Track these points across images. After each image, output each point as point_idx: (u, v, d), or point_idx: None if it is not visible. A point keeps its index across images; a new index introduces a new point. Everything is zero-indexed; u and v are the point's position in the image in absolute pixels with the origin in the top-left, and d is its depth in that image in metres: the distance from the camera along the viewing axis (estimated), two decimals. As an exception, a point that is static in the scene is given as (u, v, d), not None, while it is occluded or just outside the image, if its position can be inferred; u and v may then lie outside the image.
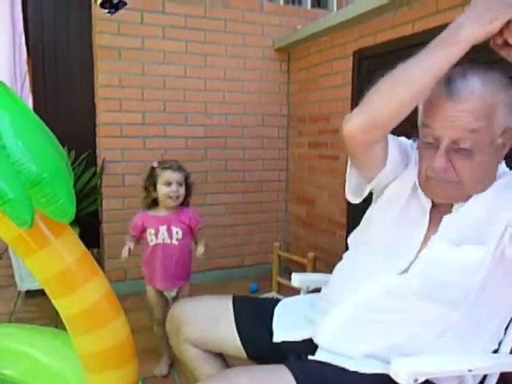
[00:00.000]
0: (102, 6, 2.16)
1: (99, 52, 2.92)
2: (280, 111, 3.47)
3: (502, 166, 1.10)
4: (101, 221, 3.12)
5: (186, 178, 2.09)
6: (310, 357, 1.08)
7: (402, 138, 1.22)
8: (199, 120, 3.21)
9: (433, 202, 1.09)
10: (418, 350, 1.03)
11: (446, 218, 1.05)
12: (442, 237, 1.04)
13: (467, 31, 0.89)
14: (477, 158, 0.97)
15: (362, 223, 1.28)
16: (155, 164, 2.09)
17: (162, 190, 2.02)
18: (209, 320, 1.33)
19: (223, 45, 3.21)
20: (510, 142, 1.02)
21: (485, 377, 1.10)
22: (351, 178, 1.24)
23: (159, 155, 3.07)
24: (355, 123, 1.01)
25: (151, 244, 2.06)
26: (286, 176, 3.57)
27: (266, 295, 2.80)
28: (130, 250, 2.01)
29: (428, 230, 1.08)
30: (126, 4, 2.34)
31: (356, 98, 2.66)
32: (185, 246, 2.10)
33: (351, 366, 1.02)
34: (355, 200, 1.26)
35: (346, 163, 2.92)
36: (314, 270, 2.54)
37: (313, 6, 3.70)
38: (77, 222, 2.81)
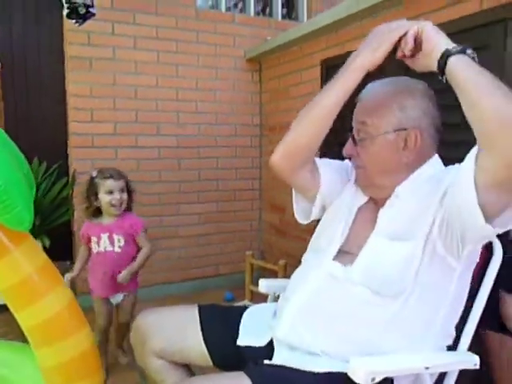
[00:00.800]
0: (69, 16, 2.16)
1: (70, 62, 2.91)
2: (252, 121, 3.50)
3: (432, 162, 1.14)
4: (73, 232, 3.08)
5: (127, 184, 2.11)
6: (266, 361, 1.10)
7: (332, 160, 1.38)
8: (172, 130, 3.21)
9: (374, 201, 1.19)
10: (370, 347, 1.05)
11: (381, 213, 1.13)
12: (378, 232, 1.11)
13: (360, 59, 1.06)
14: (371, 147, 1.12)
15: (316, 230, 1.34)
16: (94, 173, 2.10)
17: (104, 198, 2.04)
18: (175, 330, 1.32)
19: (195, 55, 3.23)
20: (416, 143, 1.09)
21: (444, 375, 1.13)
22: (297, 200, 1.37)
23: (131, 165, 3.07)
24: (279, 151, 1.21)
25: (94, 252, 2.11)
26: (259, 185, 3.59)
27: (238, 304, 2.80)
28: (70, 279, 2.07)
29: (367, 227, 1.15)
30: (94, 15, 2.34)
31: (325, 107, 2.71)
32: (128, 253, 2.11)
33: (307, 367, 1.03)
34: (304, 221, 1.39)
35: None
36: (286, 277, 2.55)
37: (283, 17, 3.75)
38: (47, 234, 2.77)
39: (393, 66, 1.09)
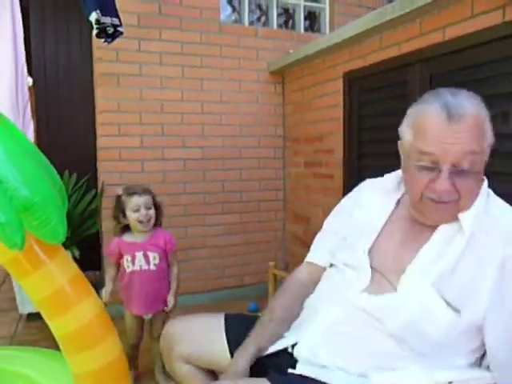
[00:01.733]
0: (98, 36, 2.25)
1: (98, 79, 3.01)
2: (276, 132, 3.54)
3: (486, 188, 1.10)
4: (101, 243, 3.16)
5: (154, 199, 2.09)
6: (290, 370, 1.10)
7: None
8: (196, 142, 3.28)
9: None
10: (389, 363, 1.04)
11: (424, 248, 1.04)
12: (425, 270, 1.02)
13: None
14: (474, 178, 0.99)
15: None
16: (120, 191, 2.10)
17: (131, 216, 2.02)
18: (201, 336, 1.35)
19: (219, 69, 3.30)
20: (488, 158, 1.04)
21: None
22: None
23: (157, 177, 3.15)
24: None
25: (128, 271, 2.06)
26: (283, 195, 3.61)
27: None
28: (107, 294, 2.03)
29: (409, 248, 1.09)
30: (122, 33, 2.43)
31: (348, 118, 2.72)
32: (162, 270, 2.10)
33: (331, 380, 1.04)
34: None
35: (340, 181, 2.95)
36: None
37: (306, 30, 3.79)
38: (77, 245, 2.85)
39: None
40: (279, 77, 3.50)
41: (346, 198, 1.37)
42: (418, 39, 2.16)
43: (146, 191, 2.08)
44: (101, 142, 3.05)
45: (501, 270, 0.95)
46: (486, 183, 1.10)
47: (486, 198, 1.08)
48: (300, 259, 3.70)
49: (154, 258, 2.06)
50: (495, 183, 1.74)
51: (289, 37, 3.53)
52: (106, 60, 2.99)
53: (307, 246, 3.34)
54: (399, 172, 1.20)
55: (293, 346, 1.17)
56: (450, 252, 1.01)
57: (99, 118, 3.04)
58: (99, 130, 3.06)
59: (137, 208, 2.01)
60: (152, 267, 2.06)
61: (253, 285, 3.51)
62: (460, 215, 1.02)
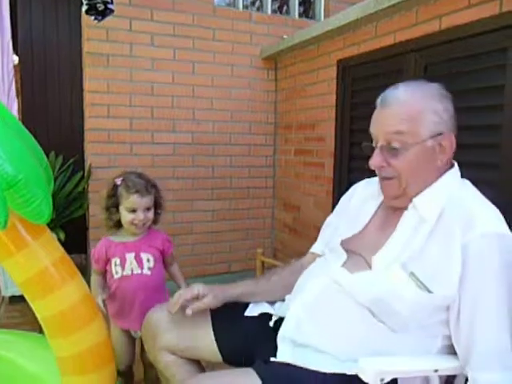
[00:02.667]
0: (88, 13, 2.19)
1: (87, 58, 2.94)
2: (267, 119, 3.51)
3: (453, 174, 1.14)
4: (87, 226, 3.12)
5: (157, 197, 1.76)
6: (272, 359, 1.12)
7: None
8: (187, 127, 3.23)
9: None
10: (377, 349, 1.06)
11: (400, 225, 1.11)
12: (395, 254, 1.08)
13: None
14: (406, 156, 1.08)
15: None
16: (118, 181, 1.72)
17: (125, 216, 1.68)
18: (186, 326, 1.34)
19: (211, 52, 3.25)
20: (451, 147, 1.10)
21: (453, 378, 1.12)
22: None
23: (146, 161, 3.10)
24: None
25: (116, 277, 1.70)
26: (272, 183, 3.59)
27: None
28: (104, 301, 1.65)
29: (382, 233, 1.16)
30: (113, 11, 2.36)
31: (340, 106, 2.70)
32: (159, 275, 1.76)
33: (314, 366, 1.05)
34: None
35: (330, 170, 2.95)
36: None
37: (300, 15, 3.74)
38: (63, 227, 2.81)
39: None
40: (272, 63, 3.46)
41: (344, 195, 1.46)
42: (414, 28, 2.14)
43: (150, 190, 1.71)
44: (89, 123, 2.99)
45: (464, 255, 0.99)
46: (454, 173, 1.15)
47: (459, 186, 1.13)
48: (289, 247, 3.73)
49: (148, 260, 1.72)
50: (487, 173, 1.75)
51: (283, 22, 3.48)
52: (95, 39, 2.92)
53: (296, 234, 3.38)
54: None
55: (278, 325, 1.20)
56: (418, 236, 1.06)
57: (87, 98, 2.98)
58: (87, 111, 3.00)
59: (133, 209, 1.67)
60: (146, 271, 1.71)
61: (240, 272, 3.50)
62: (415, 200, 1.10)
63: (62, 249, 1.33)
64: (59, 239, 2.68)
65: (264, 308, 1.35)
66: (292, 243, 3.37)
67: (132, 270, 1.70)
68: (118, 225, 1.74)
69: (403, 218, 1.12)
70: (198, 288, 1.30)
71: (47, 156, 2.84)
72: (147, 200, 1.69)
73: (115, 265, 1.70)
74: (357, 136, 2.58)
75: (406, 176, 1.10)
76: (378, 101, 1.14)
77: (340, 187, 2.71)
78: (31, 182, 1.02)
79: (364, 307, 1.07)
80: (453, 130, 1.11)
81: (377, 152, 1.12)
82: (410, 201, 1.11)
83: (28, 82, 3.50)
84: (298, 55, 3.18)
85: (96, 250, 1.74)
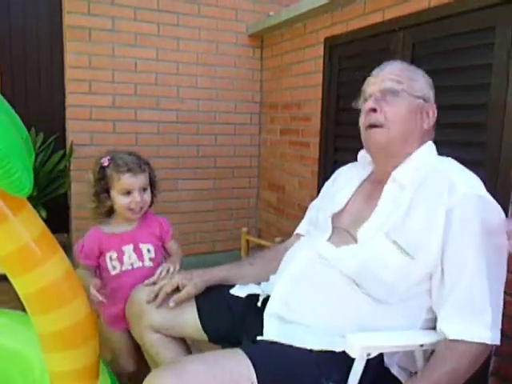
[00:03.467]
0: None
1: (68, 32, 2.85)
2: (252, 98, 3.47)
3: (431, 146, 1.19)
4: (69, 205, 3.07)
5: (151, 175, 1.59)
6: (258, 337, 1.11)
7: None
8: (171, 105, 3.18)
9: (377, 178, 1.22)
10: (362, 325, 1.07)
11: (383, 196, 1.13)
12: (379, 224, 1.10)
13: None
14: (400, 104, 1.13)
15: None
16: (105, 162, 1.51)
17: (119, 200, 1.49)
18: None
19: (196, 29, 3.18)
20: (433, 116, 1.18)
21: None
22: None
23: (130, 139, 3.05)
24: None
25: (114, 273, 1.53)
26: (257, 162, 3.57)
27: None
28: (99, 291, 1.41)
29: (366, 206, 1.18)
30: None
31: (327, 85, 2.68)
32: (159, 265, 1.53)
33: (301, 343, 1.05)
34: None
35: (316, 150, 2.94)
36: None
37: (287, -8, 3.68)
38: (44, 205, 2.76)
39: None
40: (258, 41, 3.40)
41: (329, 180, 1.47)
42: (403, 5, 2.12)
43: (143, 168, 1.52)
44: (70, 99, 2.92)
45: (447, 218, 1.01)
46: (430, 145, 1.20)
47: (438, 158, 1.17)
48: (273, 227, 3.74)
49: (149, 250, 1.56)
50: (474, 152, 1.76)
51: (270, -2, 3.41)
52: (76, 12, 2.83)
53: (281, 214, 3.38)
54: None
55: (265, 304, 1.20)
56: (400, 205, 1.08)
57: (68, 73, 2.90)
58: (68, 87, 2.92)
59: (128, 191, 1.48)
60: (147, 263, 1.55)
61: (225, 251, 3.50)
62: (394, 173, 1.13)
63: (43, 224, 1.30)
64: (41, 217, 2.61)
65: (251, 289, 1.35)
66: (276, 223, 3.37)
67: (132, 264, 1.53)
68: (109, 212, 1.56)
69: (384, 190, 1.14)
70: (177, 280, 1.31)
71: (28, 132, 2.76)
72: (142, 179, 1.50)
73: (111, 260, 1.52)
74: (343, 116, 2.56)
75: (394, 126, 1.13)
76: (375, 71, 1.22)
77: (325, 167, 2.71)
78: (11, 152, 0.98)
79: (349, 279, 1.07)
80: (435, 107, 1.20)
81: (372, 99, 1.16)
82: (395, 162, 1.15)
83: (6, 56, 3.38)
84: (284, 33, 3.13)
85: (85, 243, 1.52)
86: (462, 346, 0.97)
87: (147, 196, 1.53)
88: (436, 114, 1.18)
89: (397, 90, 1.13)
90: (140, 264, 1.54)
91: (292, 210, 3.15)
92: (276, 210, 3.38)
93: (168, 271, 1.43)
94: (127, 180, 1.47)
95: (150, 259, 1.56)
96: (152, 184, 1.58)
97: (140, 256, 1.55)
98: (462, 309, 0.99)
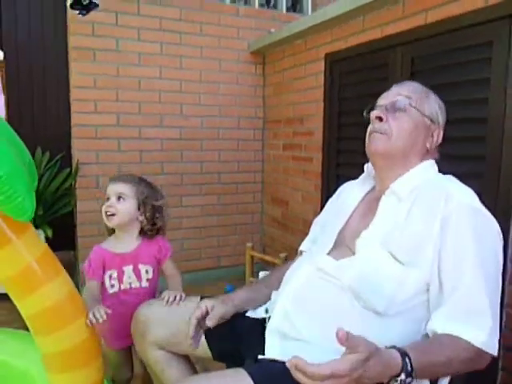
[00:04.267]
0: (72, 7, 2.15)
1: (73, 53, 2.90)
2: (255, 113, 3.50)
3: (432, 164, 1.20)
4: (75, 223, 3.09)
5: (144, 194, 1.60)
6: (260, 356, 1.11)
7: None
8: (175, 122, 3.21)
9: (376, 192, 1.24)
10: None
11: (380, 207, 1.14)
12: (376, 236, 1.10)
13: None
14: (406, 119, 1.14)
15: None
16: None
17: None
18: (176, 321, 1.34)
19: (199, 47, 3.23)
20: (438, 138, 1.19)
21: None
22: None
23: (134, 157, 3.09)
24: None
25: (111, 291, 1.58)
26: (261, 178, 3.59)
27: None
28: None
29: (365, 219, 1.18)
30: (97, 5, 2.32)
31: (328, 100, 2.70)
32: (155, 286, 1.66)
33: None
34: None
35: (319, 164, 2.95)
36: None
37: (288, 9, 3.73)
38: (50, 224, 2.79)
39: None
40: (260, 57, 3.45)
41: (333, 195, 1.48)
42: (401, 21, 2.14)
43: (128, 180, 1.60)
44: (76, 118, 2.96)
45: (443, 226, 1.02)
46: (432, 164, 1.21)
47: (437, 173, 1.19)
48: (278, 242, 3.73)
49: (147, 271, 1.62)
50: (473, 165, 1.76)
51: (270, 16, 3.46)
52: (80, 34, 2.89)
53: (285, 229, 3.38)
54: None
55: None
56: (396, 216, 1.10)
57: (74, 93, 2.95)
58: (74, 107, 2.97)
59: (107, 197, 1.57)
60: (144, 284, 1.61)
61: (229, 267, 3.50)
62: (392, 185, 1.15)
63: (45, 245, 1.31)
64: (46, 236, 2.65)
65: (259, 313, 1.33)
66: (281, 238, 3.38)
67: (130, 284, 1.59)
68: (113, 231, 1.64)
69: (382, 202, 1.16)
70: (204, 304, 1.25)
71: (33, 152, 2.81)
72: (120, 187, 1.56)
73: (110, 278, 1.57)
74: (345, 130, 2.58)
75: (398, 135, 1.14)
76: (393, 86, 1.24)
77: (328, 181, 2.72)
78: (13, 178, 1.00)
79: (349, 294, 1.07)
80: (442, 128, 1.20)
81: (380, 108, 1.18)
82: (391, 176, 1.16)
83: (13, 77, 3.45)
84: (285, 49, 3.17)
85: (91, 260, 1.56)
86: (460, 342, 0.96)
87: (122, 205, 1.55)
88: (441, 138, 1.20)
89: (405, 106, 1.15)
90: (138, 284, 1.60)
91: (296, 224, 3.15)
92: (280, 225, 3.38)
93: (175, 299, 1.44)
94: (108, 187, 1.58)
95: (147, 280, 1.62)
96: (144, 203, 1.60)
97: (138, 276, 1.60)
98: (459, 311, 0.99)
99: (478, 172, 1.74)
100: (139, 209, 1.59)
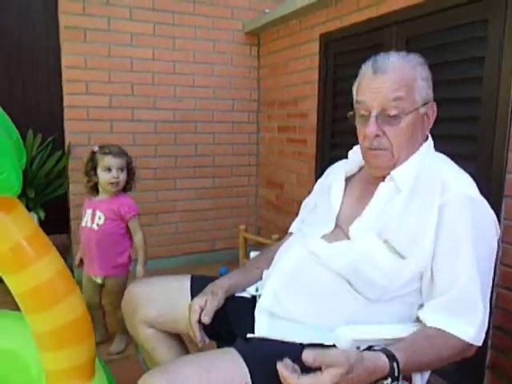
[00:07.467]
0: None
1: (64, 33, 2.86)
2: (250, 96, 3.47)
3: (428, 146, 1.17)
4: (68, 205, 3.08)
5: (128, 163, 2.07)
6: (249, 335, 1.10)
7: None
8: (168, 104, 3.18)
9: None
10: (353, 320, 1.06)
11: (376, 197, 1.11)
12: (370, 223, 1.09)
13: None
14: (402, 124, 1.07)
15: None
16: (95, 148, 2.05)
17: (101, 175, 2.01)
18: (166, 299, 1.33)
19: (192, 27, 3.18)
20: (433, 116, 1.13)
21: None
22: None
23: (127, 139, 3.06)
24: None
25: (80, 226, 2.13)
26: (256, 160, 3.58)
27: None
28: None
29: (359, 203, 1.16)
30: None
31: (323, 81, 2.67)
32: (105, 232, 2.05)
33: (292, 337, 1.05)
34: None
35: (313, 147, 2.93)
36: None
37: (283, -11, 3.67)
38: (43, 207, 2.77)
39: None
40: (255, 38, 3.40)
41: (322, 177, 1.46)
42: (396, 0, 2.11)
43: (121, 153, 2.04)
44: (67, 100, 2.92)
45: (439, 215, 1.01)
46: (429, 144, 1.16)
47: (432, 157, 1.14)
48: (273, 224, 3.72)
49: (100, 218, 2.03)
50: (466, 146, 1.75)
51: (265, -5, 3.41)
52: (71, 12, 2.83)
53: (280, 211, 3.37)
54: None
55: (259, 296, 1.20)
56: (393, 205, 1.07)
57: (65, 74, 2.90)
58: (66, 88, 2.93)
59: (108, 168, 1.99)
60: (94, 226, 2.04)
61: (224, 250, 3.51)
62: (393, 172, 1.10)
63: (35, 224, 1.30)
64: (40, 219, 2.64)
65: (252, 291, 1.33)
66: (276, 220, 3.38)
67: (86, 223, 2.07)
68: (97, 189, 2.07)
69: (379, 188, 1.12)
70: (197, 305, 1.20)
71: (25, 134, 2.78)
72: (120, 160, 2.01)
73: (84, 215, 2.10)
74: (339, 112, 2.56)
75: (399, 146, 1.09)
76: (368, 68, 1.10)
77: (322, 164, 2.70)
78: (-1, 152, 0.99)
79: (341, 277, 1.07)
80: (433, 98, 1.14)
81: (372, 121, 1.07)
82: (388, 173, 1.12)
83: (2, 58, 3.39)
84: (280, 30, 3.13)
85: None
86: (450, 338, 0.98)
87: (123, 175, 2.03)
88: (436, 111, 1.14)
89: (395, 116, 1.06)
90: (89, 225, 2.06)
91: (291, 207, 3.15)
92: (275, 208, 3.38)
93: None
94: (109, 160, 2.00)
95: (97, 225, 2.04)
96: (129, 169, 2.07)
97: (92, 220, 2.06)
98: (452, 305, 1.00)
99: (470, 153, 1.73)
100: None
